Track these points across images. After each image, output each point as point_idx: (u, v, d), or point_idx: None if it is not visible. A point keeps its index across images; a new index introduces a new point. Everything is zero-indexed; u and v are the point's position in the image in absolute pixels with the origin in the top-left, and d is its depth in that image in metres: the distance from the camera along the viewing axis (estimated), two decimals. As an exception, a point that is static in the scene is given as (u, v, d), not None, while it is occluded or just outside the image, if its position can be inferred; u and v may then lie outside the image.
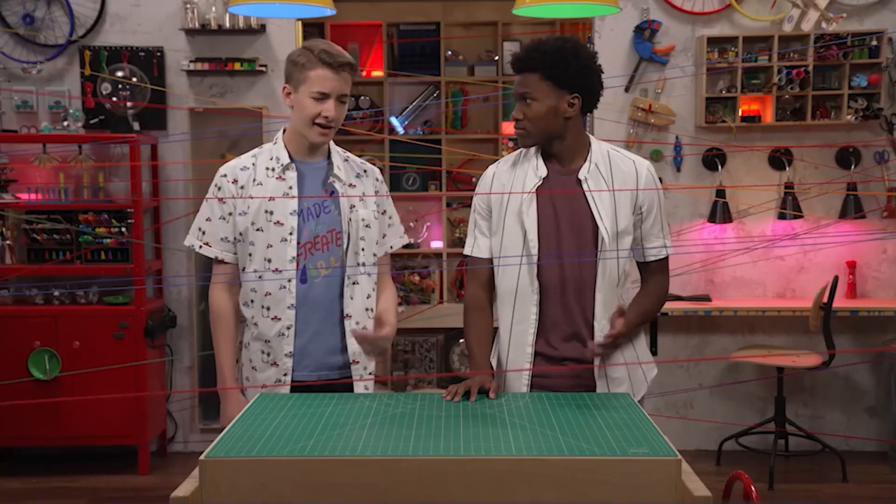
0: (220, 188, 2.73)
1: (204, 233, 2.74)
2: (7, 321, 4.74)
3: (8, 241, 4.81)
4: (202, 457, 1.90)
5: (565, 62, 2.50)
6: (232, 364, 2.77)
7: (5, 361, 4.68)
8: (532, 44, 2.55)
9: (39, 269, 4.81)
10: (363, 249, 2.74)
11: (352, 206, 2.72)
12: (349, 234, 2.72)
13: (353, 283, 2.73)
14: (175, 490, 1.86)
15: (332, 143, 2.80)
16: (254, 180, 2.71)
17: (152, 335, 4.83)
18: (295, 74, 2.67)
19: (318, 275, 2.70)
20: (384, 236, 2.87)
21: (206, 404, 5.18)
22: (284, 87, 2.71)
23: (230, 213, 2.71)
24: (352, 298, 2.73)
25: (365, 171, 2.83)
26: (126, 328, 4.75)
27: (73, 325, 4.74)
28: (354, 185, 2.77)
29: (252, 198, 2.68)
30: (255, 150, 2.79)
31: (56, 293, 4.84)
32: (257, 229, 2.69)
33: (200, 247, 2.75)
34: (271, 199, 2.67)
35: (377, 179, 2.85)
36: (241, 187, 2.71)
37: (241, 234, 2.71)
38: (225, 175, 2.73)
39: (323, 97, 2.64)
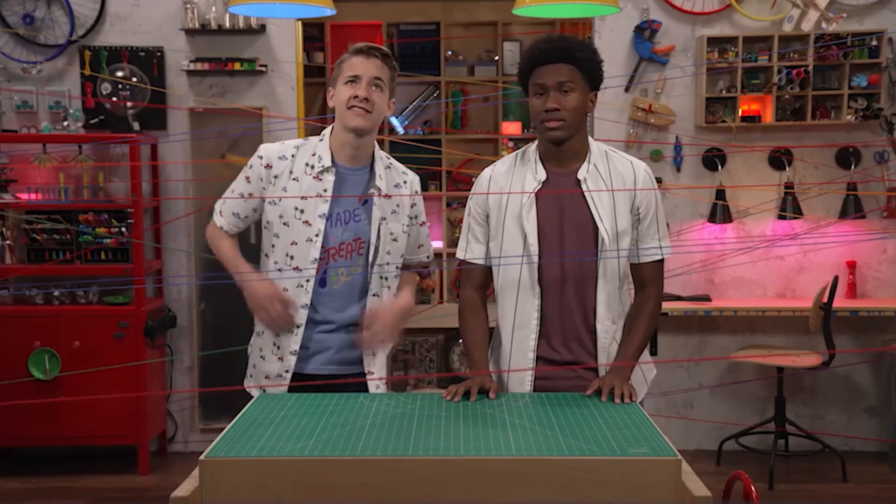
0: (251, 167, 2.74)
1: (224, 202, 2.79)
2: (7, 321, 4.74)
3: (8, 241, 4.81)
4: (202, 457, 1.90)
5: (596, 60, 2.52)
6: (238, 255, 2.76)
7: (5, 361, 4.68)
8: (556, 36, 2.53)
9: (39, 269, 4.81)
10: (388, 263, 2.74)
11: (382, 218, 2.72)
12: (376, 247, 2.71)
13: (374, 296, 2.74)
14: (175, 490, 1.86)
15: (377, 148, 2.78)
16: (290, 172, 2.69)
17: (152, 335, 4.83)
18: (335, 74, 2.70)
19: (338, 280, 2.71)
20: (420, 246, 2.89)
21: (206, 404, 5.18)
22: (328, 91, 2.73)
23: (251, 194, 2.72)
24: None
25: (405, 181, 2.81)
26: (126, 328, 4.75)
27: (73, 325, 4.74)
28: (391, 196, 2.75)
29: (284, 195, 2.69)
30: (300, 142, 2.76)
31: (56, 293, 4.84)
32: (284, 223, 2.69)
33: (219, 213, 2.80)
34: (304, 198, 2.66)
35: (416, 192, 2.84)
36: (276, 176, 2.70)
37: (268, 222, 2.72)
38: (261, 156, 2.73)
39: (354, 79, 2.64)
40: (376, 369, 2.78)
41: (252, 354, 2.84)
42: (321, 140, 2.74)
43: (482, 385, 2.43)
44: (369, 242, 2.70)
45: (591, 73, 2.52)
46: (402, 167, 2.84)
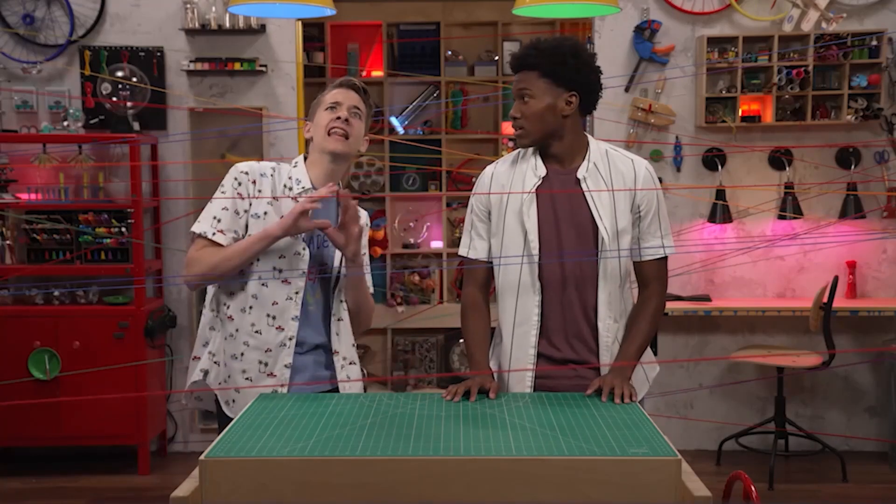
0: (240, 184, 2.70)
1: (219, 221, 2.70)
2: (7, 321, 4.75)
3: (8, 241, 4.81)
4: (202, 457, 1.90)
5: (563, 60, 2.50)
6: (248, 236, 2.71)
7: (5, 361, 4.68)
8: (531, 42, 2.56)
9: (39, 269, 4.81)
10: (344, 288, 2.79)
11: None
12: (340, 272, 2.73)
13: (339, 320, 2.75)
14: (175, 490, 1.86)
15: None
16: (271, 191, 2.70)
17: (152, 335, 4.83)
18: (313, 108, 2.74)
19: (312, 302, 2.72)
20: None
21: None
22: (306, 125, 2.75)
23: (245, 210, 2.71)
24: (338, 335, 2.75)
25: (359, 214, 2.85)
26: (126, 328, 4.75)
27: (73, 325, 4.74)
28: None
29: (253, 197, 2.69)
30: (273, 164, 2.77)
31: (56, 293, 4.84)
32: None
33: (214, 234, 2.70)
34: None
35: (367, 224, 2.88)
36: (259, 191, 2.70)
37: (250, 236, 2.70)
38: (246, 173, 2.71)
39: (335, 105, 2.68)
40: (353, 376, 2.78)
41: (233, 377, 2.76)
42: (294, 166, 2.75)
43: (482, 385, 2.42)
44: (332, 267, 2.73)
45: (556, 73, 2.50)
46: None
